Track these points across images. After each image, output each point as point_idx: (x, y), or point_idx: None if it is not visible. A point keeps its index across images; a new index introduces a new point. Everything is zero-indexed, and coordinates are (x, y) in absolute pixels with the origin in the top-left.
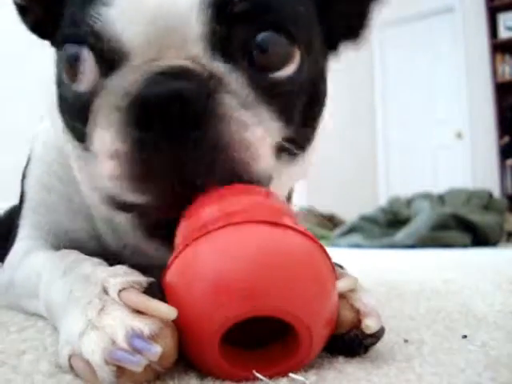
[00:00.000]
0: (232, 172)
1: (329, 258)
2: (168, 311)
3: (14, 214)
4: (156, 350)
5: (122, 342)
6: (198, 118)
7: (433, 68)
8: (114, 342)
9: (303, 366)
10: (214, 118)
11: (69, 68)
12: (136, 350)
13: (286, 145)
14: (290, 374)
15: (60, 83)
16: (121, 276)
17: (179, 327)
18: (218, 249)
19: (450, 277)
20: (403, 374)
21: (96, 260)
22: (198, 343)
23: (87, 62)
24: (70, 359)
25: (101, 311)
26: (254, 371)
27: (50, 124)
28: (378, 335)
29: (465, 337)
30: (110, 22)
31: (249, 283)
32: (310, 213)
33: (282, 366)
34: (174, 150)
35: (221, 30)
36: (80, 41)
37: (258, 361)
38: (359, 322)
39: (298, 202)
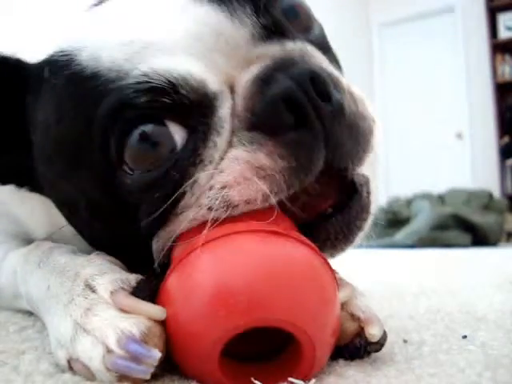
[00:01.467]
0: (361, 144)
1: (330, 268)
2: (157, 312)
3: None
4: (155, 354)
5: (116, 347)
6: (329, 91)
7: (433, 68)
8: (108, 348)
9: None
10: (335, 89)
11: (140, 155)
12: (134, 356)
13: None
14: (290, 379)
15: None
16: (108, 274)
17: (178, 340)
18: (217, 259)
19: (450, 277)
20: (403, 375)
21: (69, 247)
22: (198, 356)
23: (165, 133)
24: (68, 361)
25: (88, 311)
26: (252, 379)
27: None
28: (381, 341)
29: (465, 337)
30: (186, 74)
31: (248, 294)
32: None
33: (283, 380)
34: (326, 129)
35: (276, 20)
36: (154, 116)
37: (259, 374)
38: (361, 329)
39: None
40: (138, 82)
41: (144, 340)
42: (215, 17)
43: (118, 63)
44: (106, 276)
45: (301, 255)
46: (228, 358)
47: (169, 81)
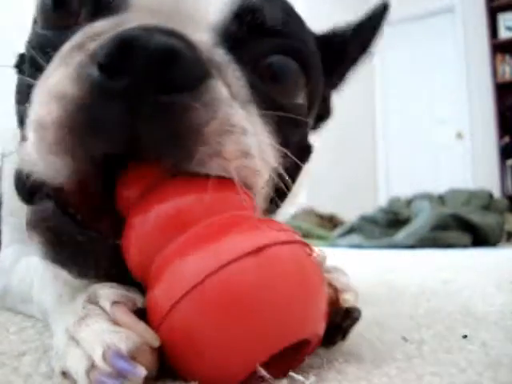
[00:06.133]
0: (192, 159)
1: (312, 254)
2: (153, 339)
3: None
4: (140, 372)
5: (101, 362)
6: (183, 83)
7: (433, 68)
8: (94, 362)
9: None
10: (197, 92)
11: (47, 11)
12: (119, 373)
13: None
14: (290, 373)
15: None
16: (114, 288)
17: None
18: (207, 310)
19: (449, 277)
20: (403, 374)
21: None
22: None
23: (72, 5)
24: (62, 374)
25: (81, 320)
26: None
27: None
28: (355, 316)
29: (465, 337)
30: None
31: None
32: (310, 213)
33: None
34: (136, 110)
35: (237, 27)
36: None
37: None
38: (337, 299)
39: (298, 202)
40: None
41: (133, 356)
42: None
43: None
44: (112, 289)
45: (289, 261)
46: None
47: None
